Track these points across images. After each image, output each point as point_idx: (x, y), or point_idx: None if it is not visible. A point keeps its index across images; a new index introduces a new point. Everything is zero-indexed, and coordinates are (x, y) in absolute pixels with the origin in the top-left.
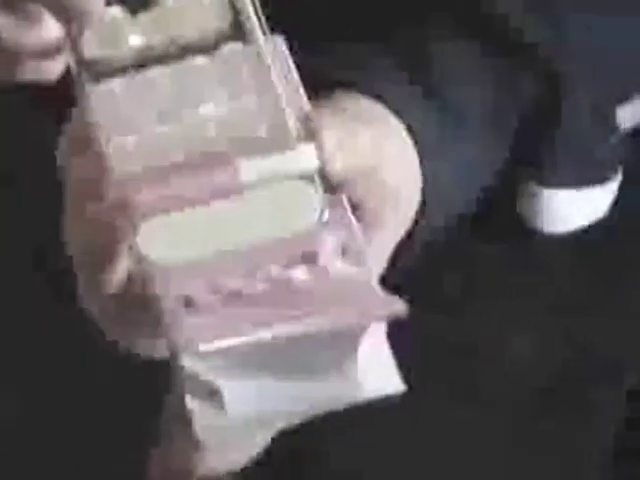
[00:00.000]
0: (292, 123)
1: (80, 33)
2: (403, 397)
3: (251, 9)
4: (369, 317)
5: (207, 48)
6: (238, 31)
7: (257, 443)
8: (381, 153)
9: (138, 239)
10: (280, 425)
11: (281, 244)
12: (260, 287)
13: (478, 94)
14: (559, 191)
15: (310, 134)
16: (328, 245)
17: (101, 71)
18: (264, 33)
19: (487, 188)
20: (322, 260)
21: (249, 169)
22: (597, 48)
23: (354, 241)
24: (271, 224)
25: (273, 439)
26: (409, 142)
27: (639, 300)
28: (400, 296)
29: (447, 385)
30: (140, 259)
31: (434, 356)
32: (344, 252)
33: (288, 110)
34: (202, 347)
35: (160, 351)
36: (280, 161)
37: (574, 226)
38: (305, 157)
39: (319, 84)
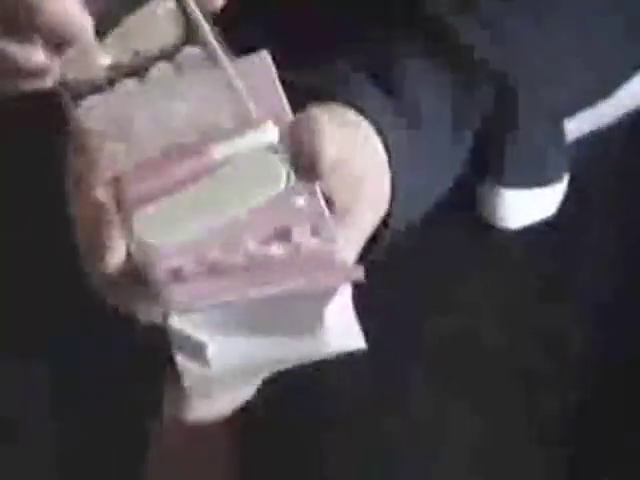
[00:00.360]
0: (251, 106)
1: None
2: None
3: (201, 16)
4: (332, 281)
5: (168, 55)
6: (192, 36)
7: (241, 394)
8: (352, 149)
9: (133, 225)
10: (260, 377)
11: (257, 215)
12: (240, 259)
13: (441, 103)
14: (514, 191)
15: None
16: (303, 221)
17: (80, 91)
18: (215, 35)
19: (449, 187)
20: (295, 237)
21: (219, 151)
22: (543, 65)
23: (325, 224)
24: (246, 195)
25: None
26: (378, 141)
27: (577, 284)
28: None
29: (423, 371)
30: (135, 242)
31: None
32: (316, 233)
33: (245, 95)
34: (187, 307)
35: (157, 316)
36: (245, 140)
37: (526, 222)
38: (266, 132)
39: (302, 96)
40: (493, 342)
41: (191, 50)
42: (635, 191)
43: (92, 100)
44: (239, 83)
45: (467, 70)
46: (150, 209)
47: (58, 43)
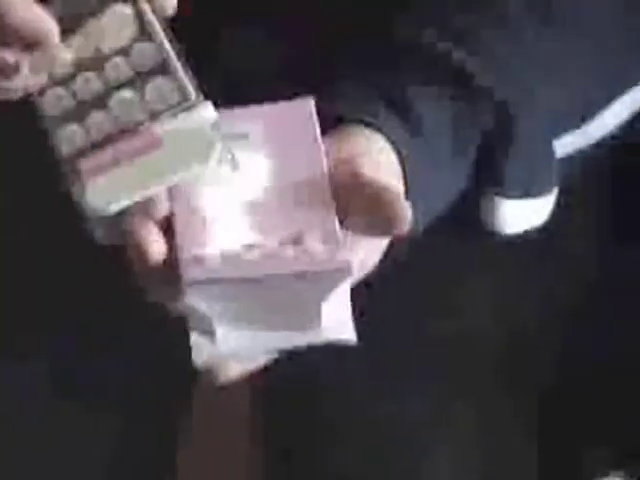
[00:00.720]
0: (190, 89)
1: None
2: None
3: (153, 17)
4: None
5: (123, 51)
6: (144, 34)
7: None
8: (363, 160)
9: (86, 193)
10: (260, 357)
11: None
12: (257, 255)
13: (441, 115)
14: (511, 201)
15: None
16: (314, 229)
17: (44, 85)
18: (166, 35)
19: (453, 199)
20: (307, 243)
21: (164, 128)
22: (540, 89)
23: (334, 236)
24: (183, 166)
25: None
26: (392, 154)
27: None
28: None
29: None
30: (86, 208)
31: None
32: (326, 240)
33: (187, 82)
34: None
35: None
36: (185, 117)
37: (522, 229)
38: (204, 113)
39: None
40: (490, 343)
41: (143, 45)
42: (622, 197)
43: (56, 90)
44: (178, 66)
45: (465, 89)
46: (100, 180)
47: (26, 44)
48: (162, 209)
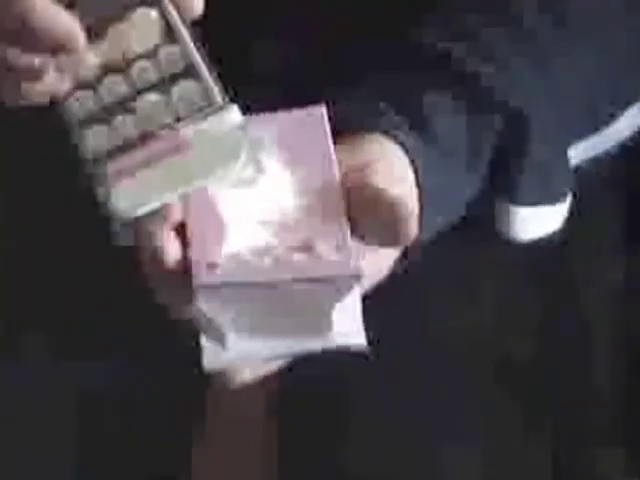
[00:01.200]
0: (216, 92)
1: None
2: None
3: (179, 21)
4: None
5: (150, 54)
6: (170, 37)
7: (257, 372)
8: (375, 169)
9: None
10: (272, 362)
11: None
12: (269, 260)
13: (460, 132)
14: (524, 208)
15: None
16: (327, 238)
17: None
18: (192, 38)
19: (470, 207)
20: (319, 250)
21: (190, 131)
22: (548, 97)
23: (345, 243)
24: (214, 166)
25: None
26: (406, 162)
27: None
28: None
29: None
30: (111, 211)
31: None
32: (339, 249)
33: (213, 85)
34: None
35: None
36: (212, 120)
37: (536, 236)
38: (231, 115)
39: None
40: (493, 339)
41: (170, 49)
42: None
43: (80, 95)
44: (204, 69)
45: (478, 98)
46: (127, 183)
47: (52, 48)
48: (177, 213)
